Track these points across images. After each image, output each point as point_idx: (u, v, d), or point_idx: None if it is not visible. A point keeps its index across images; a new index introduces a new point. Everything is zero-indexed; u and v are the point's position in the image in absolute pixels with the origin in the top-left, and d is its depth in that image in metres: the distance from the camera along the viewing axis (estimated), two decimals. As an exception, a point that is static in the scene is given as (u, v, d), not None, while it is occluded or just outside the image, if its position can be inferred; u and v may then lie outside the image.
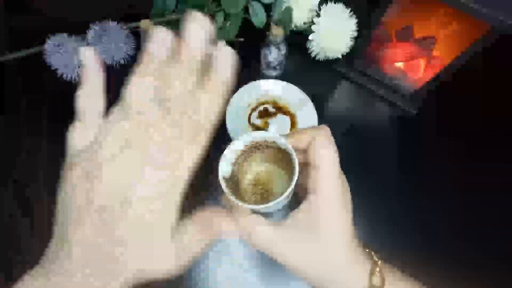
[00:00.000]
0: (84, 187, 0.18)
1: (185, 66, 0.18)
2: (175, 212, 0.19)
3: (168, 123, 0.18)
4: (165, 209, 0.19)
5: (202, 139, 0.19)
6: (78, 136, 0.19)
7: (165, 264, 0.20)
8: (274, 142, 0.26)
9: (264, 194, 0.28)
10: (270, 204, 0.23)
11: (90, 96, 0.19)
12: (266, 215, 0.24)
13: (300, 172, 0.24)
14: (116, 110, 0.19)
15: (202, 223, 0.22)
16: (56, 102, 0.48)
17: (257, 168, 0.29)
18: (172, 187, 0.18)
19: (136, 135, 0.18)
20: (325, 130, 0.25)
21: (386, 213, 0.43)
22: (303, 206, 0.24)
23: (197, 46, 0.18)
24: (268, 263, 0.40)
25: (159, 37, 0.18)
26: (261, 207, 0.24)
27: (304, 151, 0.25)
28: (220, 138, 0.47)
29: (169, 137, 0.18)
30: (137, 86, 0.18)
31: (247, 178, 0.29)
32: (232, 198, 0.23)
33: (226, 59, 0.19)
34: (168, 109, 0.18)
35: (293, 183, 0.23)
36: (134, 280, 0.19)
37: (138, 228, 0.18)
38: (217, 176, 0.24)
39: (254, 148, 0.27)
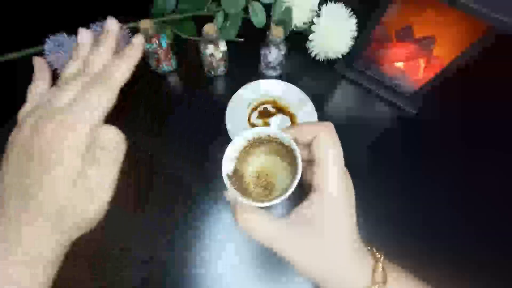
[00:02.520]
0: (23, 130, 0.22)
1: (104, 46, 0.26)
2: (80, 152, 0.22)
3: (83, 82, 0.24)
4: (72, 146, 0.21)
5: (111, 89, 0.23)
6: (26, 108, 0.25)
7: (83, 203, 0.22)
8: (277, 138, 0.26)
9: (267, 185, 0.28)
10: (273, 202, 0.24)
11: (40, 86, 0.27)
12: (266, 207, 0.25)
13: (303, 168, 0.24)
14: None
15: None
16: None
17: (260, 161, 0.29)
18: (82, 128, 0.22)
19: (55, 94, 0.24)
20: (329, 127, 0.25)
21: (386, 213, 0.43)
22: (306, 202, 0.24)
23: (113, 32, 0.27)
24: (269, 257, 0.40)
25: (83, 35, 0.28)
26: (264, 205, 0.24)
27: (308, 146, 0.25)
28: (221, 137, 0.47)
29: (83, 90, 0.23)
30: (68, 67, 0.26)
31: (251, 171, 0.29)
32: (236, 195, 0.24)
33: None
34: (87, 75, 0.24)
35: (297, 180, 0.23)
36: (62, 226, 0.21)
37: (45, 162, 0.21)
38: (220, 171, 0.25)
39: (257, 142, 0.28)
